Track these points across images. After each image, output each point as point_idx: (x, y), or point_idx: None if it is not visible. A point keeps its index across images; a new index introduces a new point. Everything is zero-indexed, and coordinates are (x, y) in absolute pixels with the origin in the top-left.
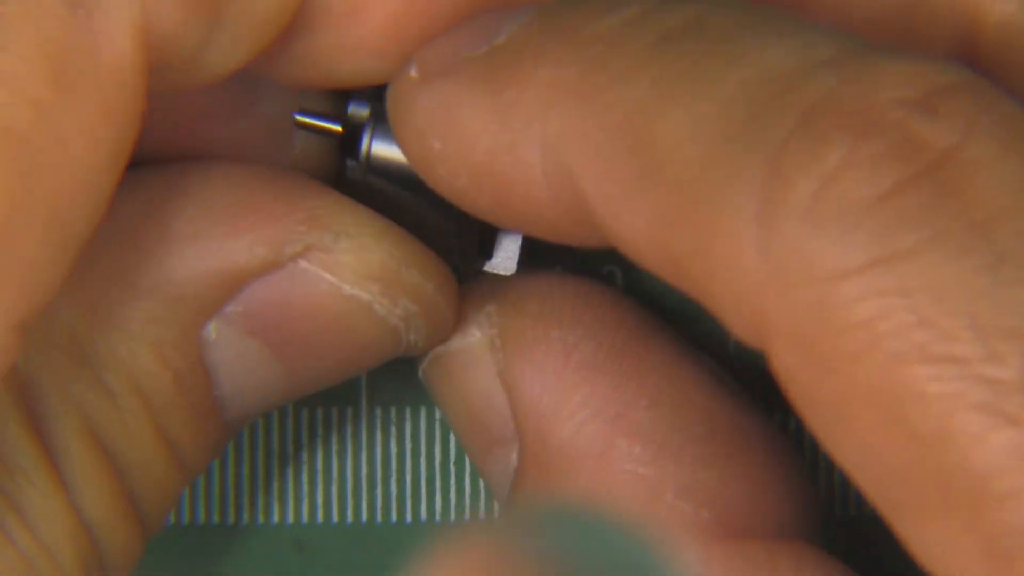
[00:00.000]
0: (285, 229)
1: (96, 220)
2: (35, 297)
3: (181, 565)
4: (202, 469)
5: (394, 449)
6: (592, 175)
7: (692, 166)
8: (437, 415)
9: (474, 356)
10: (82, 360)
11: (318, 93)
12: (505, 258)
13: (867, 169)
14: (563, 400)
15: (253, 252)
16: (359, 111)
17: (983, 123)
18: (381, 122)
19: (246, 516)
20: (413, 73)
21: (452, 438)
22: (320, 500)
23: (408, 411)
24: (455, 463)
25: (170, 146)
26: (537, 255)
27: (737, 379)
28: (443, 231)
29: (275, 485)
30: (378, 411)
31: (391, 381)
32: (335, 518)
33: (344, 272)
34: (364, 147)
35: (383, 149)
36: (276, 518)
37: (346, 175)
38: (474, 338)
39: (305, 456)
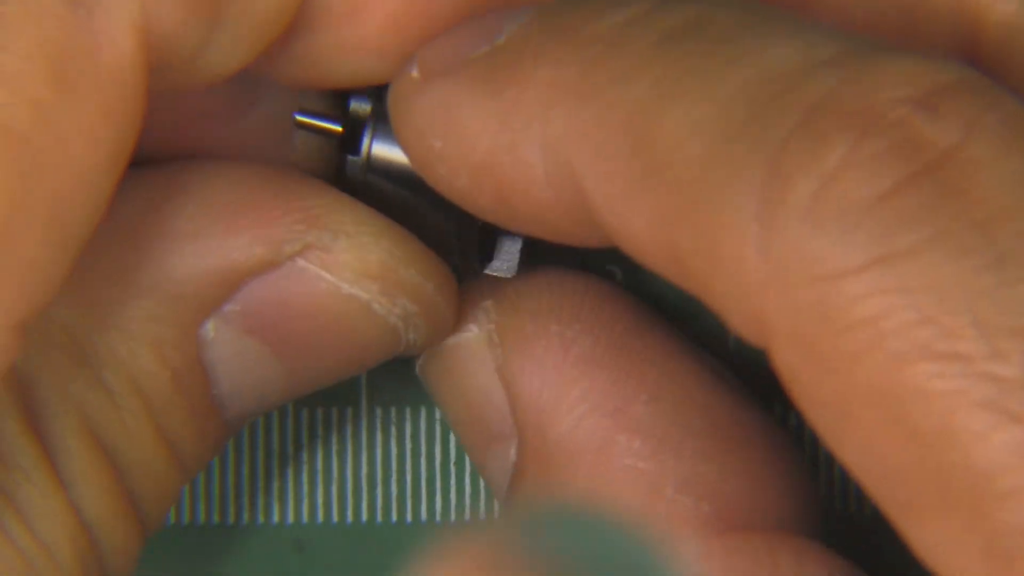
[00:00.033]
0: (284, 228)
1: (96, 220)
2: (35, 297)
3: (181, 565)
4: (201, 468)
5: (394, 449)
6: (594, 175)
7: (693, 165)
8: (437, 415)
9: (472, 352)
10: (81, 359)
11: (318, 92)
12: (506, 261)
13: (868, 168)
14: (562, 395)
15: (252, 251)
16: (361, 106)
17: (985, 122)
18: (382, 122)
19: (246, 516)
20: (414, 73)
21: (452, 438)
22: (320, 500)
23: (408, 411)
24: (455, 463)
25: (170, 146)
26: (537, 257)
27: (737, 375)
28: (443, 231)
29: (275, 485)
30: (378, 411)
31: (391, 381)
32: (335, 518)
33: (343, 271)
34: (365, 147)
35: (384, 149)
36: (276, 518)
37: (346, 172)
38: (472, 333)
39: (305, 456)
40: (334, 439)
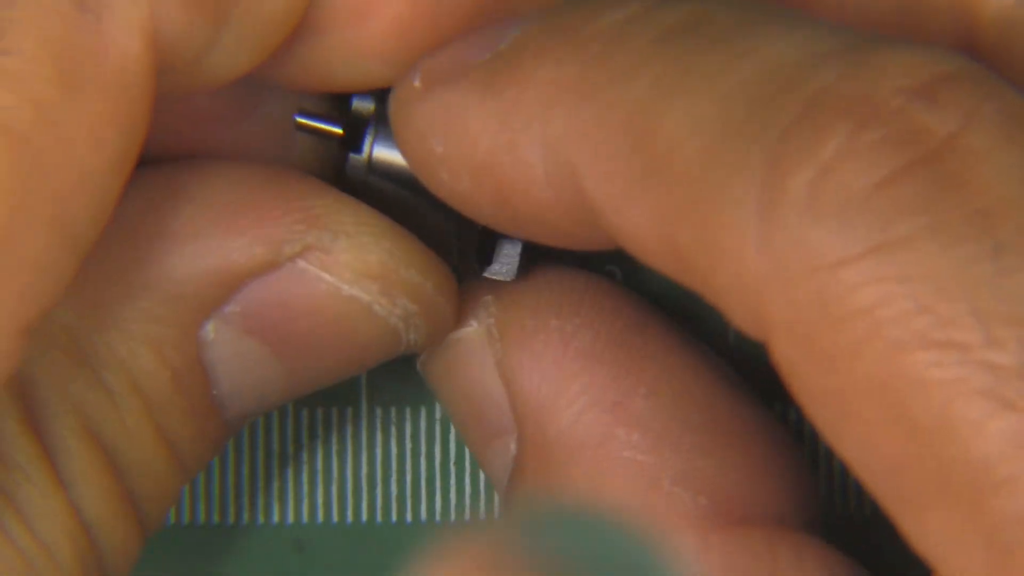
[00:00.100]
0: (284, 229)
1: (102, 222)
2: (41, 300)
3: (181, 565)
4: (201, 468)
5: (394, 449)
6: (594, 173)
7: (694, 162)
8: (437, 415)
9: (472, 346)
10: (81, 359)
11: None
12: (505, 264)
13: (866, 157)
14: (561, 389)
15: (252, 252)
16: (363, 105)
17: (983, 111)
18: (384, 123)
19: (246, 516)
20: (416, 83)
21: (452, 438)
22: (320, 500)
23: (408, 411)
24: (455, 463)
25: (171, 146)
26: (537, 258)
27: (737, 372)
28: (443, 232)
29: (275, 485)
30: (378, 411)
31: (391, 381)
32: (335, 518)
33: (343, 272)
34: (366, 149)
35: (385, 151)
36: (276, 518)
37: (347, 171)
38: (472, 328)
39: (305, 456)
40: (334, 439)
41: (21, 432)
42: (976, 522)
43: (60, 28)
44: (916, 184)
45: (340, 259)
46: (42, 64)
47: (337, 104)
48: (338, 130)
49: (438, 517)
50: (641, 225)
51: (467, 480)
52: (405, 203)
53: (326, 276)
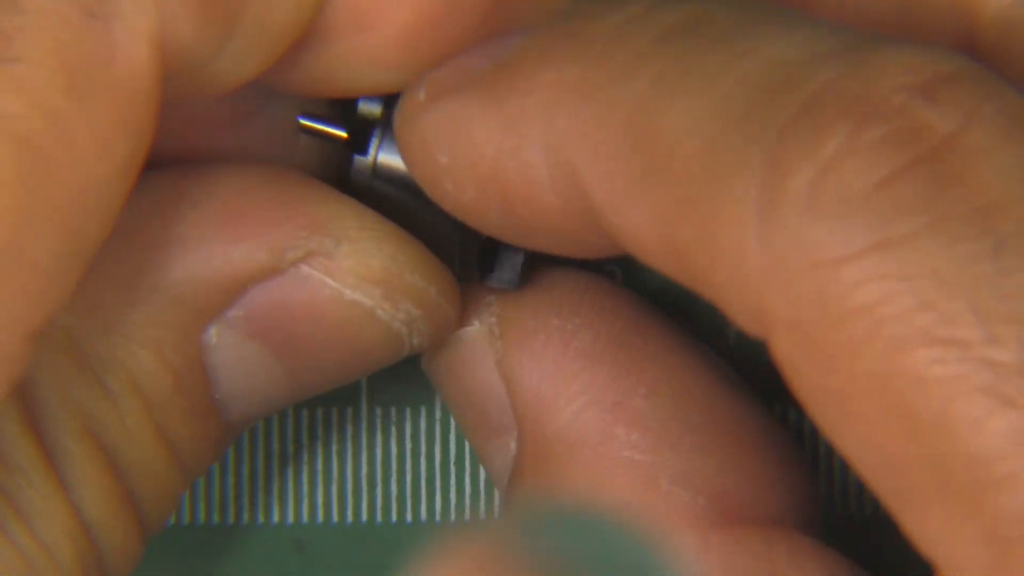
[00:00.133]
0: (287, 234)
1: (108, 228)
2: (48, 306)
3: (181, 565)
4: (202, 471)
5: (394, 449)
6: (595, 173)
7: (694, 160)
8: (437, 415)
9: (474, 345)
10: (82, 362)
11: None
12: (508, 273)
13: (866, 156)
14: (561, 388)
15: (254, 257)
16: (369, 108)
17: (984, 110)
18: (389, 129)
19: (246, 516)
20: (421, 96)
21: (452, 438)
22: (320, 500)
23: (408, 411)
24: (455, 463)
25: (173, 149)
26: (539, 267)
27: (737, 371)
28: (447, 237)
29: (275, 485)
30: (378, 411)
31: (391, 381)
32: (335, 518)
33: (346, 277)
34: (372, 154)
35: (390, 157)
36: (276, 518)
37: (351, 173)
38: (473, 327)
39: (305, 456)
40: (334, 439)
41: (22, 434)
42: (977, 519)
43: (69, 36)
44: (916, 183)
45: (343, 264)
46: (51, 72)
47: (340, 106)
48: (342, 133)
49: (438, 517)
50: (641, 225)
51: (467, 480)
52: (409, 207)
53: (329, 281)
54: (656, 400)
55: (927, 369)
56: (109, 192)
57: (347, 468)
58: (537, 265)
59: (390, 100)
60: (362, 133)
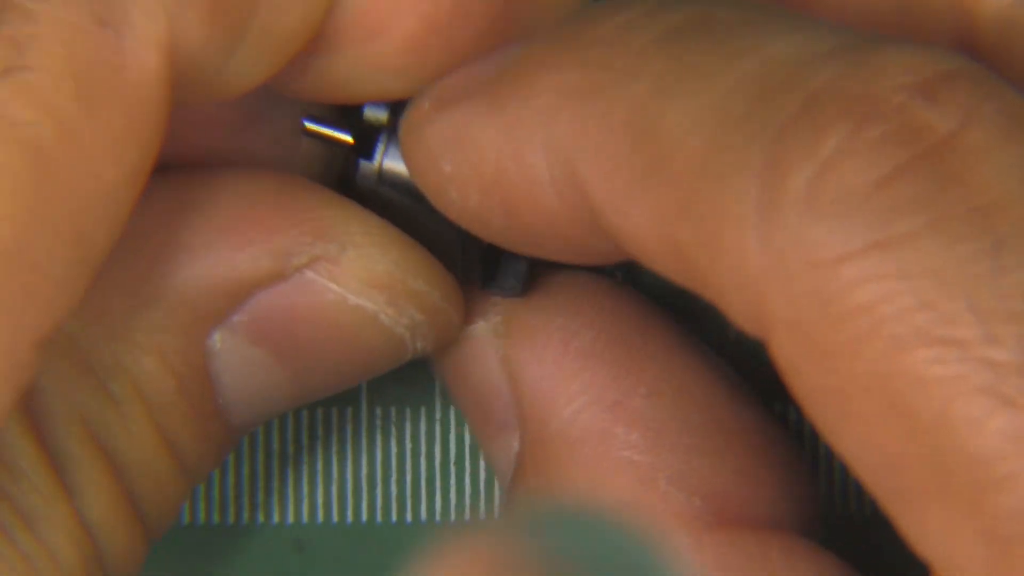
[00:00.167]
0: (291, 240)
1: (117, 235)
2: (57, 313)
3: (181, 565)
4: (205, 476)
5: (394, 449)
6: (595, 173)
7: (694, 159)
8: (437, 415)
9: (478, 343)
10: (87, 367)
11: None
12: (510, 280)
13: (866, 155)
14: (562, 387)
15: (259, 263)
16: (375, 114)
17: (983, 110)
18: (395, 135)
19: (246, 516)
20: (426, 106)
21: (452, 438)
22: (320, 500)
23: (408, 411)
24: (455, 463)
25: (178, 154)
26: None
27: (737, 372)
28: (450, 243)
29: (275, 485)
30: (378, 411)
31: (391, 382)
32: (335, 518)
33: (350, 282)
34: (377, 160)
35: (396, 163)
36: (276, 518)
37: (356, 178)
38: (479, 325)
39: (305, 456)
40: (334, 439)
41: (26, 439)
42: (976, 519)
43: (80, 44)
44: (916, 181)
45: (347, 270)
46: (63, 79)
47: (344, 110)
48: (347, 138)
49: (438, 517)
50: (641, 225)
51: (467, 480)
52: (413, 213)
53: (333, 286)
54: (656, 400)
55: (926, 369)
56: (118, 199)
57: (347, 468)
58: (539, 273)
59: (396, 106)
60: (367, 138)
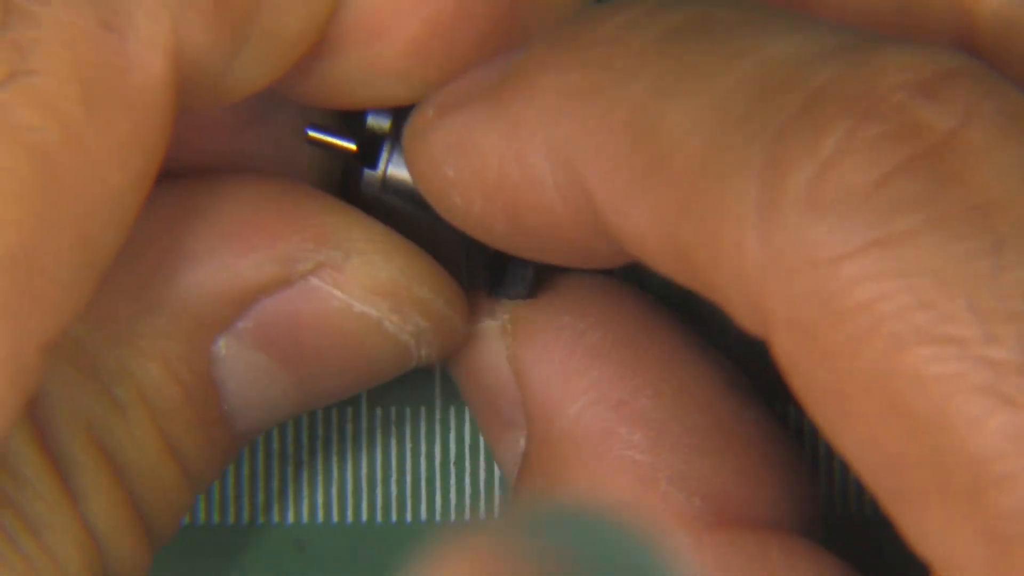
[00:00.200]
0: (296, 247)
1: (122, 239)
2: (63, 317)
3: (182, 565)
4: (210, 482)
5: (394, 449)
6: (596, 173)
7: (694, 159)
8: (437, 415)
9: (487, 341)
10: (91, 373)
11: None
12: (517, 285)
13: (866, 153)
14: (567, 385)
15: (264, 270)
16: (378, 122)
17: (984, 109)
18: (399, 142)
19: (246, 516)
20: (430, 113)
21: (452, 438)
22: (320, 500)
23: (408, 411)
24: (455, 463)
25: (181, 158)
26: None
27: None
28: (455, 250)
29: (275, 485)
30: (378, 411)
31: (391, 382)
32: (335, 518)
33: (354, 289)
34: (381, 167)
35: (400, 170)
36: (276, 518)
37: (361, 186)
38: (487, 324)
39: (305, 456)
40: (334, 439)
41: (30, 444)
42: (975, 518)
43: (85, 48)
44: (916, 180)
45: (351, 277)
46: (68, 84)
47: (348, 118)
48: (351, 145)
49: (438, 517)
50: (643, 225)
51: (467, 480)
52: (418, 220)
53: (337, 293)
54: (660, 400)
55: (926, 367)
56: (124, 203)
57: (347, 468)
58: (545, 278)
59: (399, 113)
60: (371, 147)
